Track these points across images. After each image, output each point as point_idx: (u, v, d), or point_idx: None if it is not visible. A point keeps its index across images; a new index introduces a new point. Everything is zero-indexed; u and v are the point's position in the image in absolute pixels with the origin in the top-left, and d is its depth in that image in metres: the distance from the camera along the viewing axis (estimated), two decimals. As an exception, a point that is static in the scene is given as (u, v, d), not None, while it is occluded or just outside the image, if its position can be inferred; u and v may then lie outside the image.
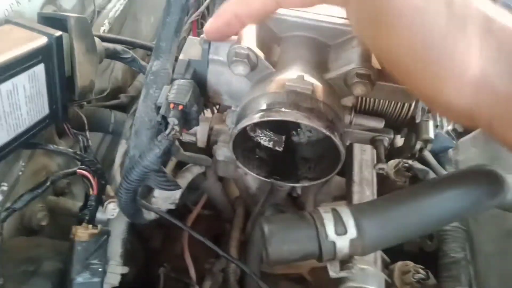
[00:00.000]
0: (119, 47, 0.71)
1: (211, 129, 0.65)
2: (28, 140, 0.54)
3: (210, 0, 0.92)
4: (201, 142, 0.66)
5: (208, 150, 0.73)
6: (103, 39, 0.72)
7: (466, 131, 0.70)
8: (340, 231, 0.34)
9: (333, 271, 0.34)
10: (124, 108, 0.92)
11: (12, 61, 0.46)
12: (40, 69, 0.51)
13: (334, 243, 0.33)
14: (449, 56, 0.30)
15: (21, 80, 0.48)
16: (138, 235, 0.77)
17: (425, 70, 0.31)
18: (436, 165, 0.66)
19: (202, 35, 0.50)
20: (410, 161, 0.66)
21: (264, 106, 0.43)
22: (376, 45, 0.34)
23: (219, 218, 0.89)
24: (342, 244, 0.33)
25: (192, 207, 0.85)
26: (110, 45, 0.69)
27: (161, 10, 1.17)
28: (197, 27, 1.03)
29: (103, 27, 0.78)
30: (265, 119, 0.42)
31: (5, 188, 0.57)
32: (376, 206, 0.35)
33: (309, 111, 0.42)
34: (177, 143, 0.65)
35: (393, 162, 0.67)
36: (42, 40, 0.50)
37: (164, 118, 0.47)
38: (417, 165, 0.65)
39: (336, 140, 0.43)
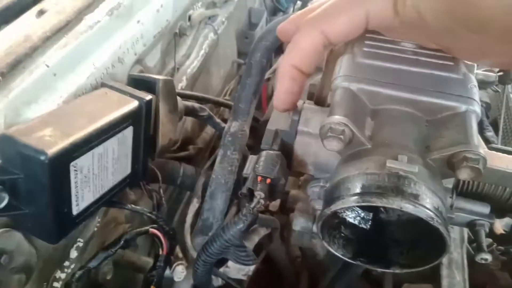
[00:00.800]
0: (196, 105, 0.72)
1: (286, 193, 0.63)
2: (110, 199, 0.54)
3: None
4: (274, 206, 0.64)
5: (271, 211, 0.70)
6: (181, 95, 0.74)
7: None
8: None
9: None
10: (191, 159, 0.92)
11: (106, 127, 0.47)
12: (128, 132, 0.51)
13: None
14: None
15: (112, 143, 0.49)
16: None
17: None
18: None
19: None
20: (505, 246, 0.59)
21: (360, 189, 0.40)
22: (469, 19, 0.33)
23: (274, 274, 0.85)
24: None
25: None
26: (189, 104, 0.71)
27: (230, 63, 1.21)
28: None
29: (181, 84, 0.80)
30: (365, 204, 0.39)
31: (80, 244, 0.57)
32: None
33: (413, 198, 0.38)
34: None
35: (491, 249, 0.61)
36: (133, 104, 0.51)
37: (251, 190, 0.45)
38: (513, 249, 0.58)
39: (442, 230, 0.38)
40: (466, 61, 0.51)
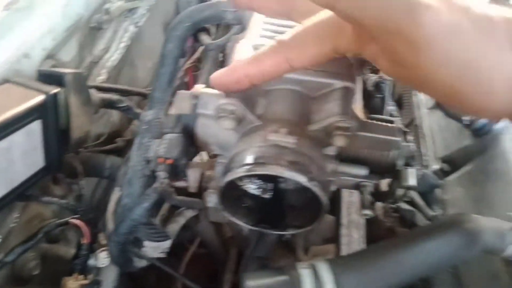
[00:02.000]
0: (114, 97, 0.74)
1: (202, 174, 0.67)
2: (24, 193, 0.55)
3: (204, 47, 0.96)
4: (193, 188, 0.67)
5: (200, 193, 0.75)
6: (100, 89, 0.75)
7: (453, 170, 0.71)
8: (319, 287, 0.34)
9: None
10: (121, 151, 0.94)
11: (8, 121, 0.48)
12: (36, 125, 0.53)
13: (313, 300, 0.34)
14: (485, 63, 0.30)
15: (18, 137, 0.50)
16: (130, 277, 0.77)
17: (468, 85, 0.31)
18: (423, 206, 0.67)
19: (191, 91, 0.53)
20: (397, 203, 0.67)
21: (248, 160, 0.45)
22: (413, 79, 0.34)
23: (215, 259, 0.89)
24: (322, 300, 0.34)
25: (188, 246, 0.86)
26: (106, 96, 0.72)
27: (157, 55, 1.22)
28: (193, 70, 1.07)
29: (100, 77, 0.81)
30: (249, 173, 0.44)
31: (-1, 239, 0.58)
32: (354, 260, 0.37)
33: (292, 165, 0.44)
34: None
35: (381, 205, 0.68)
36: (38, 98, 0.53)
37: (154, 172, 0.48)
38: (404, 206, 0.66)
39: (318, 192, 0.44)
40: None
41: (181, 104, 0.55)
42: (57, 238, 0.77)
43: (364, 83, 1.06)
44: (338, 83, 0.51)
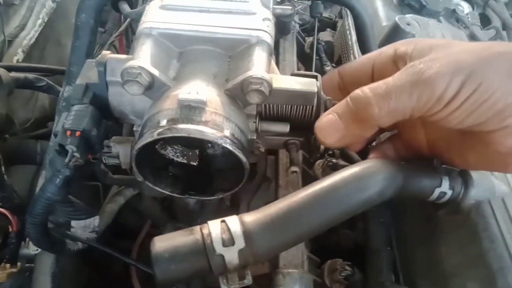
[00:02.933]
0: (31, 76, 0.69)
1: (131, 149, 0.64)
2: None
3: (130, 20, 0.91)
4: (125, 164, 0.64)
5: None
6: (15, 68, 0.70)
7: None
8: (228, 243, 0.33)
9: (224, 285, 0.33)
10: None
11: None
12: None
13: (222, 256, 0.33)
14: None
15: None
16: (96, 264, 0.74)
17: None
18: (360, 161, 0.68)
19: (97, 58, 0.49)
20: (334, 160, 0.67)
21: (160, 123, 0.43)
22: None
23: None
24: (231, 256, 0.33)
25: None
26: (21, 75, 0.67)
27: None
28: (124, 44, 1.02)
29: (16, 57, 0.75)
30: (159, 137, 0.42)
31: None
32: (265, 211, 0.36)
33: (203, 124, 0.42)
34: (103, 167, 0.63)
35: (319, 162, 0.68)
36: None
37: (61, 146, 0.45)
38: (342, 162, 0.66)
39: (234, 150, 0.43)
40: None
41: (89, 72, 0.52)
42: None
43: (302, 45, 1.06)
44: (253, 38, 0.49)
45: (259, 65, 0.46)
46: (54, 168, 0.58)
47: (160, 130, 0.42)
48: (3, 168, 0.63)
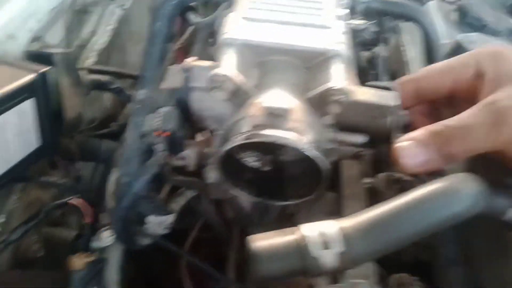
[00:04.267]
0: (105, 78, 0.73)
1: (200, 152, 0.67)
2: (19, 174, 0.55)
3: (194, 29, 0.95)
4: (191, 166, 0.67)
5: (200, 173, 0.74)
6: (90, 71, 0.74)
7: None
8: (325, 246, 0.35)
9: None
10: (115, 136, 0.93)
11: None
12: (28, 104, 0.52)
13: (319, 258, 0.34)
14: None
15: (9, 116, 0.50)
16: (136, 261, 0.77)
17: None
18: (424, 177, 0.68)
19: (183, 63, 0.52)
20: (398, 174, 0.67)
21: (244, 129, 0.45)
22: None
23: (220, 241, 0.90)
24: (329, 258, 0.34)
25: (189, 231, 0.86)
26: (96, 77, 0.71)
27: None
28: (184, 53, 1.06)
29: (90, 60, 0.80)
30: (246, 141, 0.44)
31: (2, 220, 0.58)
32: (361, 217, 0.37)
33: (288, 131, 0.44)
34: (167, 168, 0.66)
35: (383, 176, 0.69)
36: (28, 77, 0.52)
37: (151, 145, 0.48)
38: (405, 177, 0.66)
39: (316, 158, 0.45)
40: (338, 11, 0.57)
41: (173, 78, 0.55)
42: (58, 221, 0.77)
43: (358, 59, 1.07)
44: (331, 51, 0.51)
45: (338, 77, 0.48)
46: (130, 166, 0.61)
47: (247, 134, 0.44)
48: (77, 164, 0.67)
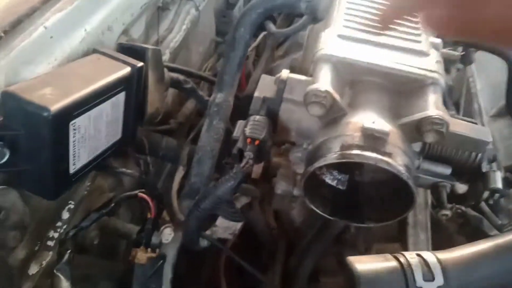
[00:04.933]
0: (181, 77, 0.74)
1: (268, 161, 0.67)
2: (101, 162, 0.56)
3: (262, 37, 0.96)
4: (256, 174, 0.67)
5: (254, 181, 0.75)
6: (169, 69, 0.76)
7: (518, 181, 0.70)
8: (427, 278, 0.34)
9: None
10: (172, 133, 0.95)
11: (101, 89, 0.49)
12: (121, 97, 0.54)
13: (422, 289, 0.34)
14: None
15: (106, 106, 0.51)
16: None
17: None
18: (490, 213, 0.66)
19: (278, 75, 0.53)
20: (463, 208, 0.66)
21: (340, 148, 0.45)
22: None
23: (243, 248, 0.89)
24: (430, 291, 0.34)
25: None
26: (174, 75, 0.73)
27: (209, 40, 1.23)
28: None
29: (164, 57, 0.82)
30: (344, 160, 0.44)
31: (72, 206, 0.59)
32: (461, 254, 0.36)
33: (387, 156, 0.43)
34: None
35: (448, 208, 0.67)
36: (126, 70, 0.53)
37: (241, 151, 0.48)
38: (471, 212, 0.65)
39: (411, 185, 0.44)
40: (433, 39, 0.57)
41: (265, 87, 0.55)
42: (113, 211, 0.79)
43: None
44: (428, 79, 0.51)
45: (437, 106, 0.48)
46: (202, 168, 0.61)
47: (344, 154, 0.44)
48: (148, 158, 0.68)
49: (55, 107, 0.42)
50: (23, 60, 0.45)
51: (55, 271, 0.48)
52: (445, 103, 0.95)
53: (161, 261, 0.60)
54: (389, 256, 0.37)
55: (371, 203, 0.53)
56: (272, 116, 0.53)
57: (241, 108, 0.84)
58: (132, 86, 0.55)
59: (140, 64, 0.56)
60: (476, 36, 0.36)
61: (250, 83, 0.92)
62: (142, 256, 0.58)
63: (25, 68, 0.46)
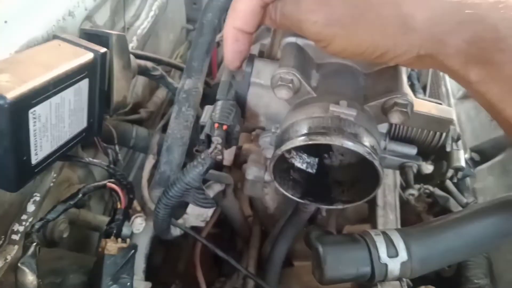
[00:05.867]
0: (149, 64, 0.73)
1: (239, 148, 0.67)
2: (66, 153, 0.54)
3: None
4: (228, 161, 0.67)
5: (228, 169, 0.75)
6: (133, 55, 0.74)
7: (483, 160, 0.72)
8: (391, 254, 0.35)
9: (385, 293, 0.35)
10: (142, 122, 0.93)
11: (62, 76, 0.47)
12: (84, 84, 0.52)
13: (386, 265, 0.35)
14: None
15: (68, 94, 0.49)
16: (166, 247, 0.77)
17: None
18: (456, 192, 0.68)
19: (244, 59, 0.52)
20: (431, 188, 0.68)
21: (307, 130, 0.45)
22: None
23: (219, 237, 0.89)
24: (394, 266, 0.35)
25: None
26: (142, 62, 0.71)
27: (179, 28, 1.20)
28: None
29: (131, 44, 0.80)
30: (311, 142, 0.44)
31: (37, 198, 0.57)
32: (423, 230, 0.37)
33: (353, 136, 0.44)
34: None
35: (416, 188, 0.69)
36: (88, 56, 0.52)
37: (208, 136, 0.48)
38: (438, 191, 0.67)
39: (377, 165, 0.45)
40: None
41: (231, 71, 0.55)
42: (83, 204, 0.77)
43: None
44: (393, 61, 0.51)
45: (402, 86, 0.48)
46: (171, 155, 0.61)
47: (311, 136, 0.44)
48: (117, 147, 0.67)
49: (12, 94, 0.40)
50: (-25, 47, 0.43)
51: (19, 264, 0.46)
52: (413, 86, 0.97)
53: (132, 251, 0.59)
54: (355, 234, 0.37)
55: (339, 186, 0.54)
56: (241, 101, 0.53)
57: (213, 95, 0.83)
58: (96, 72, 0.54)
59: (104, 50, 0.54)
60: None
61: (220, 70, 0.91)
62: (112, 246, 0.57)
63: (-22, 55, 0.44)
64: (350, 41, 0.38)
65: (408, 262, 0.35)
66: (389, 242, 0.35)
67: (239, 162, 0.67)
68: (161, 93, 1.01)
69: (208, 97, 0.77)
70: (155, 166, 0.70)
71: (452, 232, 0.37)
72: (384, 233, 0.36)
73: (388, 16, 0.36)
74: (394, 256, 0.35)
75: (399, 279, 0.36)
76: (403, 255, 0.35)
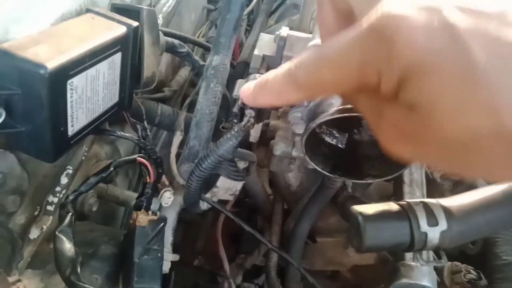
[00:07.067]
0: (176, 41, 0.73)
1: (266, 125, 0.67)
2: (98, 126, 0.55)
3: (256, 2, 0.94)
4: (254, 137, 0.67)
5: (249, 146, 0.75)
6: (164, 33, 0.74)
7: None
8: (431, 223, 0.35)
9: (423, 261, 0.35)
10: (165, 101, 0.94)
11: (97, 48, 0.48)
12: (117, 57, 0.52)
13: (426, 234, 0.35)
14: None
15: (103, 67, 0.50)
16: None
17: None
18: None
19: (277, 32, 0.52)
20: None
21: (341, 104, 0.45)
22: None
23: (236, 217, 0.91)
24: (433, 235, 0.35)
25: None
26: (169, 39, 0.71)
27: (201, 8, 1.20)
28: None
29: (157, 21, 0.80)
30: (347, 114, 0.44)
31: (70, 171, 0.59)
32: (464, 201, 0.37)
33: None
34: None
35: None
36: (121, 30, 0.52)
37: (242, 109, 0.48)
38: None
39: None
40: None
41: (265, 45, 0.55)
42: (111, 179, 0.78)
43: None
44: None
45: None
46: (200, 130, 0.61)
47: (346, 109, 0.44)
48: (145, 123, 0.68)
49: (52, 64, 0.40)
50: (13, 18, 0.43)
51: (57, 233, 0.48)
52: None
53: (162, 223, 0.60)
54: (392, 203, 0.37)
55: (369, 161, 0.54)
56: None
57: (236, 75, 0.83)
58: (128, 46, 0.54)
59: (136, 24, 0.54)
60: None
61: (245, 49, 0.91)
62: (143, 218, 0.59)
63: (15, 27, 0.44)
64: None
65: (447, 231, 0.35)
66: (430, 212, 0.35)
67: (265, 138, 0.67)
68: (183, 72, 1.01)
69: (231, 78, 0.78)
70: (182, 143, 0.71)
71: (495, 203, 0.37)
72: (424, 203, 0.37)
73: None
74: (434, 225, 0.35)
75: (437, 248, 0.36)
76: (443, 224, 0.35)
